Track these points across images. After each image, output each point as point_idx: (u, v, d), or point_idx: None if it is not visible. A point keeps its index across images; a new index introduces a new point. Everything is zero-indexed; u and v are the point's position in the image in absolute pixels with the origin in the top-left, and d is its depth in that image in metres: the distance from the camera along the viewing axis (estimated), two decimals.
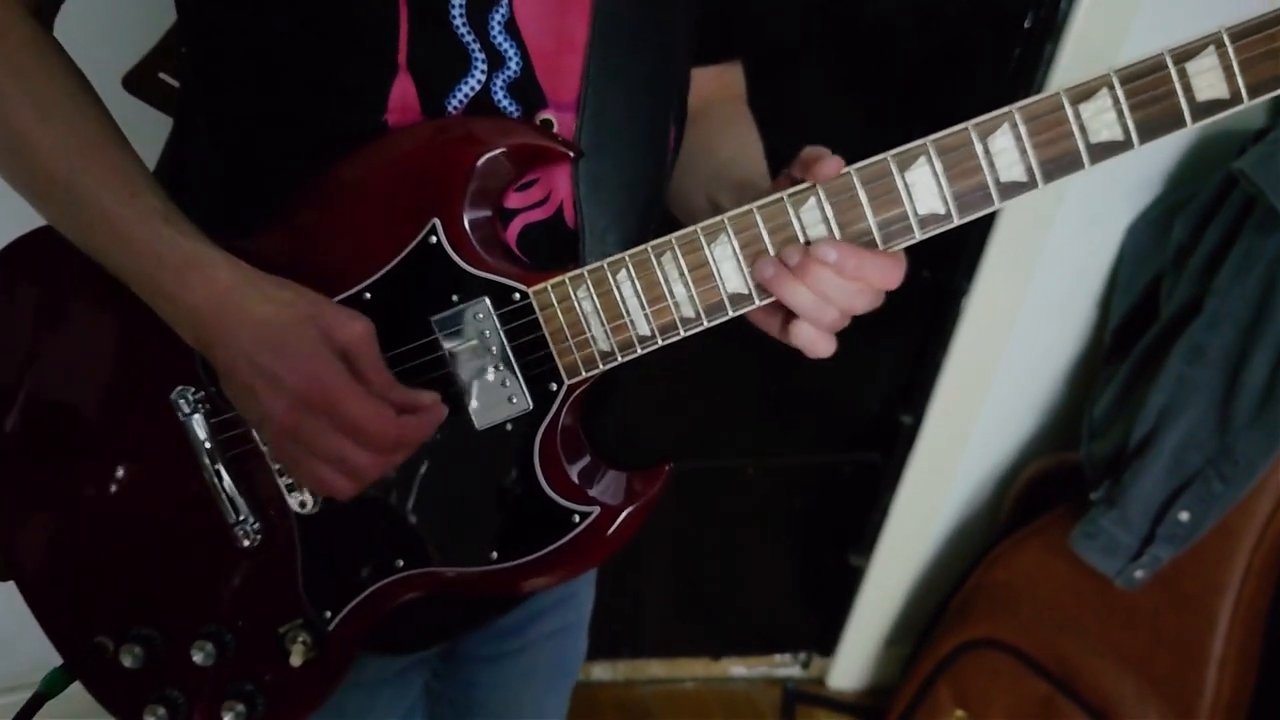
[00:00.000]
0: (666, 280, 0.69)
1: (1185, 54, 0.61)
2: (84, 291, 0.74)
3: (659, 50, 0.76)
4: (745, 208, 0.68)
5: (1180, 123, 0.62)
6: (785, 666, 2.20)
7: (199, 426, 0.74)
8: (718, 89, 0.92)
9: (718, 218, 0.68)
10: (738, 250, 0.68)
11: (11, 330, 0.77)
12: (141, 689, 0.79)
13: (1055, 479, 1.77)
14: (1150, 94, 0.62)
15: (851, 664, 2.15)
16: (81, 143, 0.69)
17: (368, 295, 0.71)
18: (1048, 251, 1.68)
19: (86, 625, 0.79)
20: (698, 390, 1.88)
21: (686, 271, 0.69)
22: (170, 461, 0.75)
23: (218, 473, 0.74)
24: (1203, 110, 0.62)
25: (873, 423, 1.94)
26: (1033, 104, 0.63)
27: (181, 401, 0.74)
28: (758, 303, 0.69)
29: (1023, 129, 0.63)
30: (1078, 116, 0.63)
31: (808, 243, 0.67)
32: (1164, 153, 1.62)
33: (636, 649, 2.14)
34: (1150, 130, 0.62)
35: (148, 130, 0.83)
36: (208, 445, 0.74)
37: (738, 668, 2.18)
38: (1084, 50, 1.51)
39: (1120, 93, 0.62)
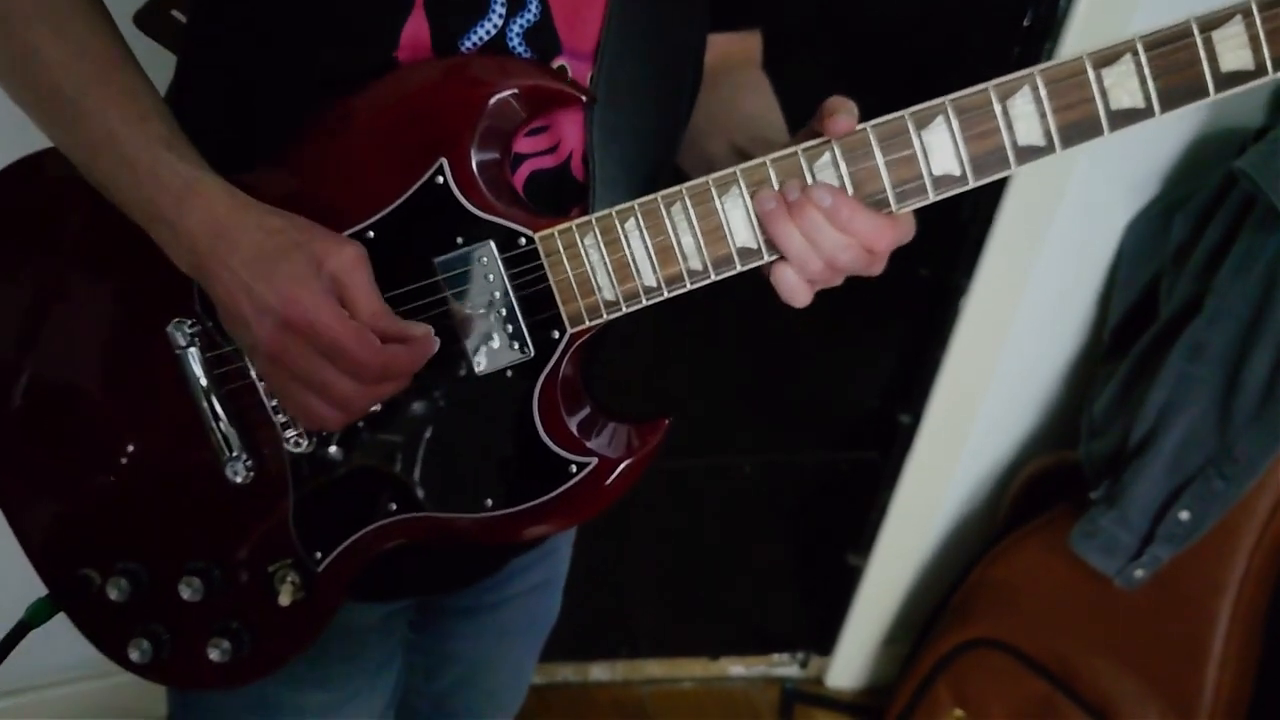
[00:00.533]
0: (675, 231, 0.68)
1: (1211, 22, 0.60)
2: (80, 219, 0.73)
3: (678, 7, 0.76)
4: (758, 160, 0.67)
5: (1203, 92, 0.62)
6: (783, 666, 2.20)
7: (194, 360, 0.72)
8: (738, 51, 0.92)
9: (729, 169, 0.67)
10: (748, 203, 0.67)
11: (9, 256, 0.76)
12: (127, 622, 0.78)
13: (1054, 478, 1.77)
14: (1174, 61, 0.61)
15: (849, 663, 2.14)
16: (93, 62, 0.68)
17: (370, 234, 0.70)
18: (1046, 249, 1.68)
19: (73, 557, 0.78)
20: (696, 389, 1.88)
21: (695, 222, 0.68)
22: (164, 395, 0.74)
23: (212, 407, 0.73)
24: (1226, 81, 0.61)
25: (871, 421, 1.93)
26: (1054, 67, 0.63)
27: (178, 334, 0.72)
28: (766, 258, 0.68)
29: (1043, 91, 0.63)
30: (1099, 81, 0.62)
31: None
32: (1163, 151, 1.61)
33: (634, 649, 2.14)
34: (1172, 99, 0.62)
35: (158, 72, 0.82)
36: (203, 379, 0.73)
37: (736, 667, 2.18)
38: (1083, 48, 1.50)
39: (1144, 59, 0.61)
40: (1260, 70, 0.61)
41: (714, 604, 2.15)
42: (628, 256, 0.69)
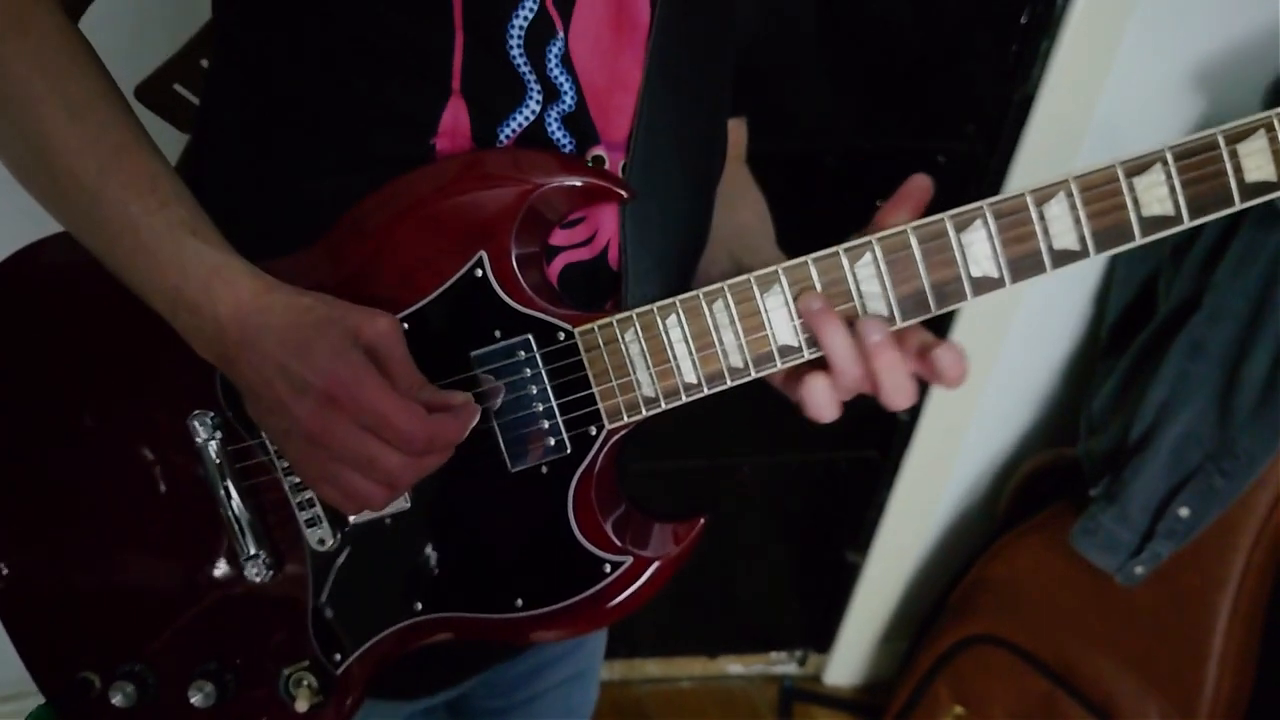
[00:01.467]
0: (716, 328, 0.68)
1: (1237, 135, 0.62)
2: (97, 307, 0.72)
3: (708, 98, 0.76)
4: (800, 259, 0.67)
5: (1229, 202, 0.63)
6: (782, 664, 2.20)
7: (215, 453, 0.71)
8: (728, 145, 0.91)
9: (772, 268, 0.67)
10: (790, 300, 0.67)
11: (18, 346, 0.75)
12: None
13: (1052, 475, 1.77)
14: (1201, 171, 0.63)
15: (848, 661, 2.15)
16: (111, 146, 0.66)
17: (406, 325, 0.68)
18: None
19: (70, 659, 0.76)
20: None
21: (738, 320, 0.68)
22: (180, 489, 0.73)
23: (233, 503, 0.71)
24: (1251, 191, 0.63)
25: (870, 420, 1.93)
26: (1089, 174, 0.63)
27: (199, 426, 0.71)
28: (807, 356, 0.68)
29: (1077, 198, 0.63)
30: (1131, 190, 0.63)
31: (862, 299, 0.67)
32: None
33: (633, 648, 2.13)
34: (1200, 208, 0.63)
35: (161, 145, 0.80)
36: (224, 473, 0.71)
37: (734, 666, 2.17)
38: (1081, 46, 1.51)
39: (1173, 168, 0.62)
40: None
41: (712, 603, 2.14)
42: (669, 352, 0.69)
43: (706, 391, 0.70)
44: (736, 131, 0.91)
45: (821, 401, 0.68)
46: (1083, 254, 0.65)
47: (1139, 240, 0.64)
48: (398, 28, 0.65)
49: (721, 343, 0.68)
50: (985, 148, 1.62)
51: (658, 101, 0.71)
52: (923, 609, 1.98)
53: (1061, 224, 0.64)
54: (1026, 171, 1.58)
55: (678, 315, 0.68)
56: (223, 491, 0.71)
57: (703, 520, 0.75)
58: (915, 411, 1.85)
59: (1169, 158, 0.62)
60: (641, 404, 0.70)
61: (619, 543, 0.72)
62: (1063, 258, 0.65)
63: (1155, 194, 0.63)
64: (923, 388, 1.88)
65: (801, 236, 0.82)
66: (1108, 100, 1.54)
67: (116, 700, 0.74)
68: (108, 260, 0.67)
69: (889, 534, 1.98)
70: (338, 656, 0.74)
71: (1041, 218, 0.64)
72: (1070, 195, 0.63)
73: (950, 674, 1.79)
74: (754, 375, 0.69)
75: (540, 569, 0.72)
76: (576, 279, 0.73)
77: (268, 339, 0.62)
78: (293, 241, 0.70)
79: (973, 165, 1.62)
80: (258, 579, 0.73)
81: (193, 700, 0.73)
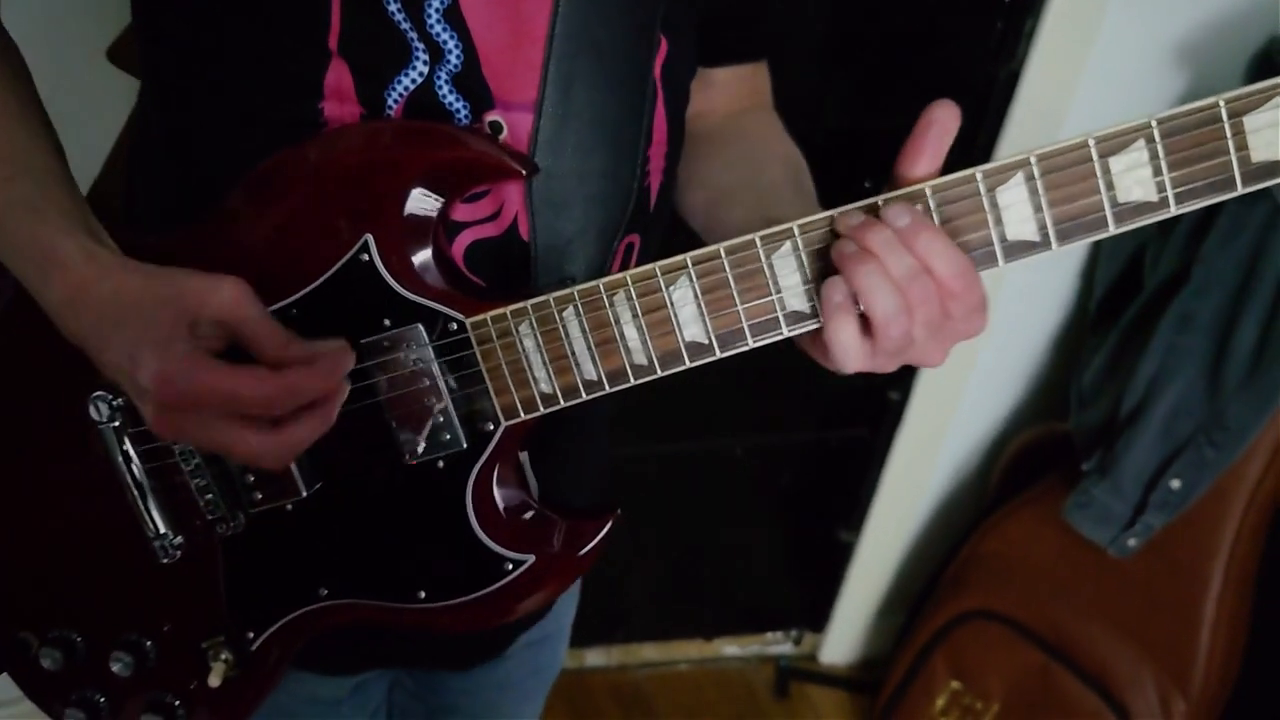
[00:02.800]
0: (618, 321, 0.63)
1: (1241, 107, 0.55)
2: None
3: (630, 46, 0.69)
4: (712, 248, 0.61)
5: (1230, 186, 0.56)
6: (778, 644, 2.21)
7: (116, 436, 0.68)
8: (748, 93, 0.87)
9: (679, 256, 0.62)
10: (699, 294, 0.62)
11: None
12: (62, 690, 0.76)
13: (1043, 449, 1.79)
14: (1194, 150, 0.56)
15: (843, 639, 2.16)
16: None
17: (294, 311, 0.66)
18: None
19: (10, 619, 0.76)
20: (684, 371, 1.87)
21: (641, 314, 0.62)
22: (93, 468, 0.71)
23: (138, 486, 0.69)
24: (1257, 174, 0.56)
25: (860, 399, 1.94)
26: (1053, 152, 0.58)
27: (99, 407, 0.68)
28: (718, 354, 0.64)
29: (1039, 181, 0.58)
30: (1106, 172, 0.57)
31: (780, 294, 0.62)
32: None
33: (629, 633, 2.14)
34: (1191, 193, 0.57)
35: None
36: (128, 457, 0.69)
37: (730, 647, 2.19)
38: (1064, 24, 1.51)
39: (1160, 146, 0.56)
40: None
41: (707, 585, 2.16)
42: (566, 347, 0.64)
43: (609, 389, 0.65)
44: (757, 77, 0.86)
45: (847, 342, 0.59)
46: (1043, 245, 0.58)
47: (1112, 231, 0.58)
48: None
49: (624, 338, 0.63)
50: (971, 125, 1.62)
51: (568, 55, 0.65)
52: (917, 585, 2.00)
53: (1019, 211, 0.58)
54: (1013, 148, 1.59)
55: (575, 307, 0.63)
56: (124, 474, 0.69)
57: (611, 518, 0.72)
58: (905, 390, 1.86)
59: (1155, 134, 0.55)
60: (539, 401, 0.66)
61: (522, 541, 0.70)
62: (1018, 249, 0.59)
63: (1136, 176, 0.56)
64: (911, 369, 1.89)
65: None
66: (1092, 77, 1.55)
67: (45, 663, 0.75)
68: None
69: (881, 512, 1.99)
70: (250, 634, 0.73)
71: (995, 204, 0.58)
72: (1031, 179, 0.57)
73: (946, 649, 1.81)
74: (660, 374, 0.65)
75: (442, 564, 0.71)
76: (485, 257, 0.68)
77: (103, 329, 0.61)
78: (199, 212, 0.68)
79: (959, 143, 1.63)
80: (166, 560, 0.72)
81: (113, 668, 0.74)
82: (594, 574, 2.16)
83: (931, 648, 1.83)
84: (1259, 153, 0.55)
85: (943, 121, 0.60)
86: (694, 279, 0.62)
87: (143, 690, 0.76)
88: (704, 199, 0.81)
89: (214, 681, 0.73)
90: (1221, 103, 0.54)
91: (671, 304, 0.62)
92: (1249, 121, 0.54)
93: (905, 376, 1.85)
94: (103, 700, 0.76)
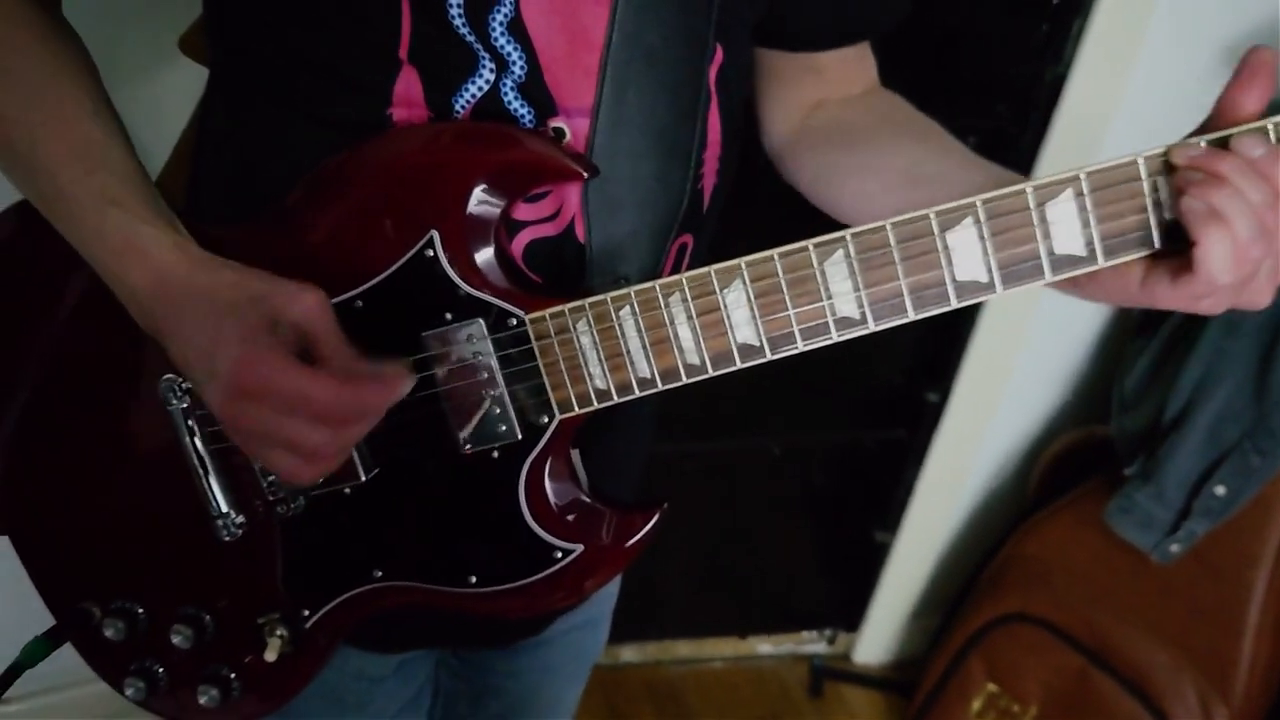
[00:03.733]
0: (672, 322, 0.65)
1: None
2: (73, 265, 0.71)
3: (683, 51, 0.70)
4: (766, 253, 0.63)
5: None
6: (812, 643, 2.21)
7: (185, 418, 0.71)
8: (859, 76, 0.87)
9: (733, 261, 0.64)
10: (752, 298, 0.64)
11: (19, 301, 0.76)
12: (123, 659, 0.79)
13: (1083, 453, 1.78)
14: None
15: (878, 639, 2.16)
16: (45, 113, 0.66)
17: (359, 303, 0.68)
18: None
19: (74, 590, 0.79)
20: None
21: (695, 315, 0.64)
22: (161, 447, 0.73)
23: (202, 466, 0.72)
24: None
25: (898, 399, 1.94)
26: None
27: (169, 391, 0.71)
28: (769, 356, 0.65)
29: (1088, 198, 0.60)
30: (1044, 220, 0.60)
31: (831, 299, 0.63)
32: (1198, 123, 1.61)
33: (664, 630, 2.15)
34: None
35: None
36: (194, 438, 0.71)
37: (765, 646, 2.19)
38: (1112, 26, 1.50)
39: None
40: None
41: (742, 583, 2.16)
42: (621, 345, 0.66)
43: (661, 388, 0.67)
44: (865, 60, 0.86)
45: (1223, 256, 0.57)
46: (1089, 260, 0.60)
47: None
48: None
49: (677, 338, 0.65)
50: (1016, 127, 1.61)
51: (623, 61, 0.67)
52: (953, 587, 2.00)
53: (1067, 225, 0.60)
54: (1058, 151, 1.58)
55: (632, 306, 0.65)
56: (190, 455, 0.72)
57: (659, 511, 0.74)
58: (945, 391, 1.86)
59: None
60: (594, 396, 0.68)
61: (572, 531, 0.72)
62: (1063, 264, 0.61)
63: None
64: (951, 369, 1.88)
65: (829, 220, 0.80)
66: (1138, 81, 1.54)
67: (108, 633, 0.77)
68: (55, 226, 0.68)
69: (918, 513, 1.99)
70: (305, 612, 0.76)
71: (1044, 219, 0.60)
72: (1080, 195, 0.59)
73: (983, 651, 1.80)
74: (711, 374, 0.66)
75: (493, 550, 0.73)
76: (543, 256, 0.70)
77: (185, 317, 0.63)
78: (265, 208, 0.70)
79: (1004, 144, 1.62)
80: (227, 537, 0.74)
81: (173, 640, 0.76)
82: (630, 570, 2.18)
83: (968, 650, 1.83)
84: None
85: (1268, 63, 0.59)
86: (747, 282, 0.64)
87: (200, 662, 0.78)
88: (881, 184, 0.80)
89: (270, 657, 0.75)
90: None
91: (725, 306, 0.64)
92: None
93: (944, 378, 1.85)
94: (161, 671, 0.79)
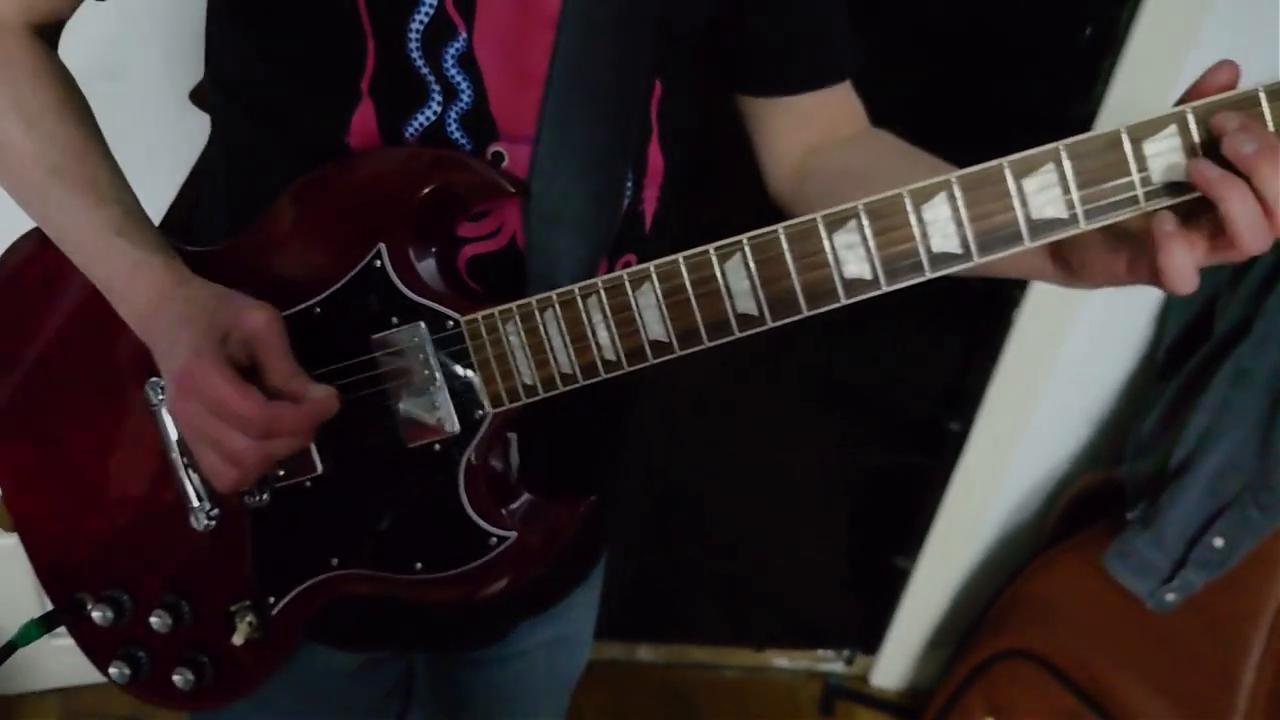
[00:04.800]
0: (590, 322, 0.71)
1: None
2: (76, 286, 0.80)
3: (618, 91, 0.77)
4: (671, 257, 0.68)
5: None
6: (828, 662, 2.22)
7: (164, 416, 0.79)
8: (847, 118, 0.90)
9: (644, 265, 0.69)
10: (661, 299, 0.69)
11: (24, 314, 0.86)
12: (110, 643, 0.86)
13: (1102, 495, 1.75)
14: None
15: (894, 664, 2.16)
16: (60, 153, 0.76)
17: (318, 310, 0.75)
18: None
19: (71, 581, 0.87)
20: (753, 386, 1.91)
21: (610, 315, 0.70)
22: (144, 445, 0.81)
23: (179, 461, 0.80)
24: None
25: (921, 426, 1.94)
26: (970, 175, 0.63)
27: (151, 392, 0.80)
28: (678, 352, 0.70)
29: (959, 199, 0.63)
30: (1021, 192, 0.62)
31: (730, 295, 0.67)
32: None
33: (681, 634, 2.20)
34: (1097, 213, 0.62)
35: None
36: (173, 435, 0.79)
37: (781, 660, 2.21)
38: (1144, 64, 1.49)
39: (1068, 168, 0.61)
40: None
41: (763, 597, 2.19)
42: (545, 344, 0.72)
43: (582, 381, 0.72)
44: (849, 101, 0.90)
45: (1186, 262, 0.61)
46: (965, 257, 0.64)
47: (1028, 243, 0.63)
48: (314, 32, 0.72)
49: (595, 337, 0.71)
50: None
51: (563, 94, 0.73)
52: (969, 618, 1.99)
53: (942, 226, 0.63)
54: None
55: (554, 309, 0.71)
56: (169, 450, 0.80)
57: (584, 505, 0.79)
58: (966, 421, 1.86)
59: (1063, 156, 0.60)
60: (522, 391, 0.74)
61: (506, 519, 0.77)
62: (941, 261, 0.64)
63: (1048, 196, 0.61)
64: (974, 400, 1.87)
65: None
66: None
67: (96, 618, 0.85)
68: (64, 251, 0.78)
69: (937, 542, 1.99)
70: (272, 599, 0.82)
71: (920, 220, 0.63)
72: (952, 197, 0.63)
73: (984, 684, 1.80)
74: (627, 369, 0.71)
75: (436, 538, 0.78)
76: (486, 269, 0.77)
77: (165, 328, 0.72)
78: (245, 224, 0.78)
79: None
80: (200, 528, 0.82)
81: (152, 624, 0.83)
82: (652, 572, 2.22)
83: (970, 682, 1.82)
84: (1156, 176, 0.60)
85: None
86: (656, 285, 0.69)
87: (178, 648, 0.85)
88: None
89: (237, 640, 0.82)
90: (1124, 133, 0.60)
91: (637, 307, 0.70)
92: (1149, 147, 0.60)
93: (966, 407, 1.85)
94: (143, 655, 0.87)
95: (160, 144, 0.96)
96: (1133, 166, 0.61)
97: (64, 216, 0.76)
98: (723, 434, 1.96)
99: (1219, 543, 1.44)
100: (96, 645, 0.88)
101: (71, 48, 0.83)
